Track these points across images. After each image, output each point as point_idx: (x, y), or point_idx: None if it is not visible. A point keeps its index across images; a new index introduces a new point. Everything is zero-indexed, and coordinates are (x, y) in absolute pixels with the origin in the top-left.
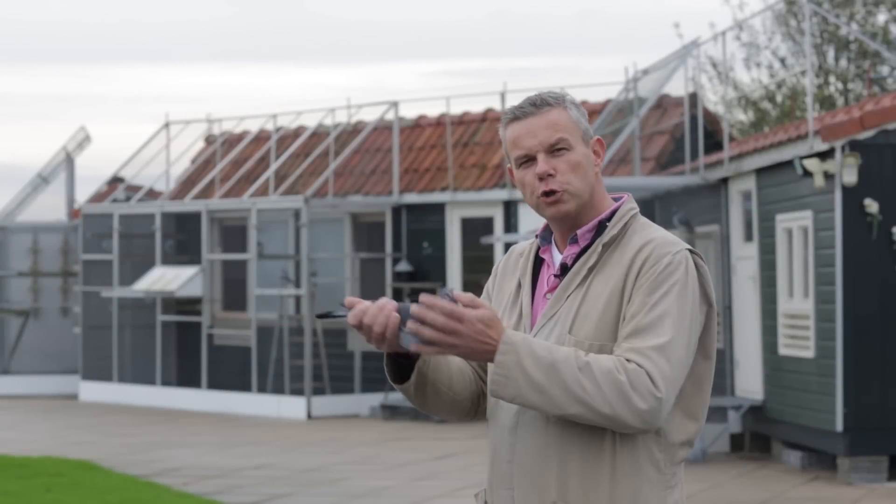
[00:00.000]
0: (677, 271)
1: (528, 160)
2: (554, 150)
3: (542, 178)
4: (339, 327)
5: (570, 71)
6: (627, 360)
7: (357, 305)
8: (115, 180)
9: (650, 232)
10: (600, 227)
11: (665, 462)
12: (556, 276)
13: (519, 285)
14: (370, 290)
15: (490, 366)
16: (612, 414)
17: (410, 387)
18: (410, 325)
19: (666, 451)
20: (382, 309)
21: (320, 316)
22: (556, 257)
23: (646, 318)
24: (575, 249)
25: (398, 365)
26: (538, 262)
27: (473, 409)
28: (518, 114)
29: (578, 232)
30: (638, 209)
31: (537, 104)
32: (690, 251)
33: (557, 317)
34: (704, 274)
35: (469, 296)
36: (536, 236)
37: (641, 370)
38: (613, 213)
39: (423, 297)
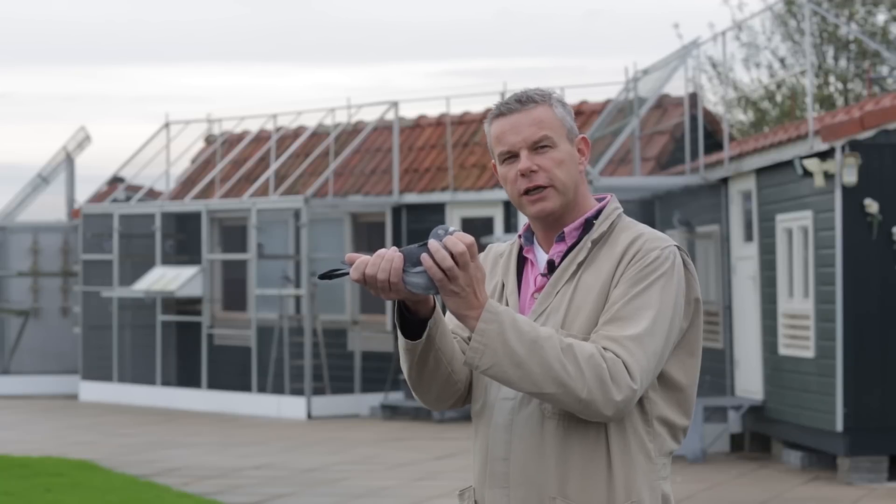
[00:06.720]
0: (664, 265)
1: (511, 157)
2: (537, 147)
3: (524, 175)
4: (339, 327)
5: (575, 71)
6: (605, 349)
7: (358, 259)
8: (115, 180)
9: (639, 228)
10: (587, 225)
11: (655, 451)
12: (543, 275)
13: (502, 286)
14: None
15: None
16: (589, 399)
17: (419, 346)
18: (424, 259)
19: (655, 441)
20: (383, 256)
21: (323, 276)
22: (541, 257)
23: (626, 307)
24: (562, 247)
25: (408, 323)
26: (520, 263)
27: (463, 396)
28: (503, 110)
29: (565, 230)
30: (622, 209)
31: (522, 101)
32: (678, 248)
33: (549, 312)
34: (691, 271)
35: (471, 239)
36: (519, 236)
37: (619, 360)
38: (599, 211)
39: (432, 242)
